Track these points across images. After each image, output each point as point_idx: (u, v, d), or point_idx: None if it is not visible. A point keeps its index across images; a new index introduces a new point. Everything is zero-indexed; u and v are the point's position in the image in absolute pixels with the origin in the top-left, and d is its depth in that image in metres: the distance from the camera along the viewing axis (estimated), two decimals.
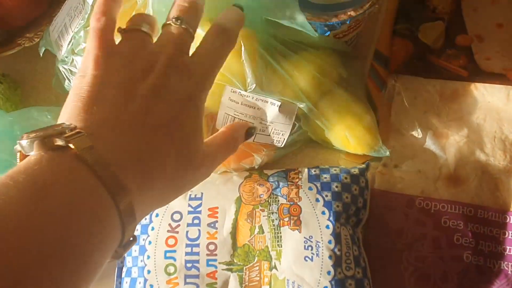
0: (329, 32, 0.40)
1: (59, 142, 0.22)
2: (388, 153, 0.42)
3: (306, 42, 0.41)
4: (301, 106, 0.40)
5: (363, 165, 0.42)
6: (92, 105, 0.25)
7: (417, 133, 0.44)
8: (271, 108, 0.40)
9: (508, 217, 0.41)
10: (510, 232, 0.40)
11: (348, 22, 0.39)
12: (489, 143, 0.43)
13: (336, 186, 0.40)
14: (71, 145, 0.22)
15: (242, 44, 0.37)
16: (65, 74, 0.45)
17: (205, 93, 0.29)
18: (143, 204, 0.25)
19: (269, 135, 0.41)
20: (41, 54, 0.47)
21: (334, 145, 0.44)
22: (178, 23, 0.29)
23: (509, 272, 0.39)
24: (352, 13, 0.37)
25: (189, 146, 0.28)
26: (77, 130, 0.23)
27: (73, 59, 0.43)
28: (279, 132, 0.41)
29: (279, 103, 0.39)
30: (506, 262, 0.40)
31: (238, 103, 0.40)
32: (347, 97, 0.42)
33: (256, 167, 0.43)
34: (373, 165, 0.44)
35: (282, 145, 0.42)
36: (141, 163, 0.25)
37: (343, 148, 0.44)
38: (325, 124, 0.42)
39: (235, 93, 0.39)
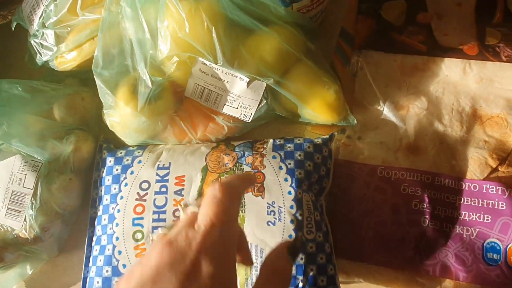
0: (291, 4, 0.40)
1: None
2: (355, 121, 0.43)
3: (272, 16, 0.41)
4: (269, 82, 0.40)
5: (327, 136, 0.43)
6: None
7: (379, 106, 0.45)
8: (240, 83, 0.40)
9: (463, 184, 0.42)
10: (465, 198, 0.41)
11: None
12: (447, 115, 0.44)
13: (299, 155, 0.41)
14: None
15: (206, 18, 0.37)
16: (36, 48, 0.45)
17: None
18: None
19: (237, 108, 0.42)
20: (12, 28, 0.47)
21: (302, 118, 0.45)
22: None
23: (464, 236, 0.41)
24: None
25: None
26: None
27: (43, 33, 0.43)
28: (247, 107, 0.42)
29: (247, 79, 0.40)
30: (461, 227, 0.41)
31: (208, 74, 0.41)
32: (315, 68, 0.43)
33: (221, 137, 0.44)
34: (337, 137, 0.45)
35: (249, 120, 0.42)
36: None
37: (312, 119, 0.44)
38: (294, 93, 0.42)
39: (206, 65, 0.39)
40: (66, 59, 0.42)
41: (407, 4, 0.47)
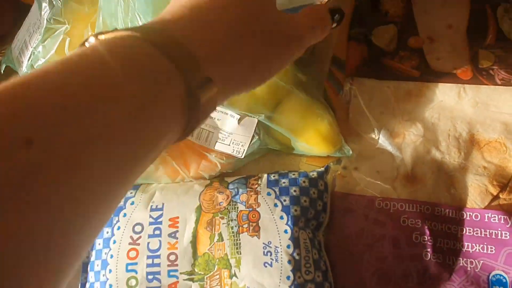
0: None
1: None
2: (351, 152, 0.42)
3: None
4: (260, 118, 0.39)
5: (322, 168, 0.42)
6: None
7: (375, 135, 0.44)
8: (231, 120, 0.40)
9: (464, 213, 0.41)
10: (467, 228, 0.40)
11: None
12: (444, 141, 0.43)
13: (295, 190, 0.40)
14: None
15: None
16: None
17: None
18: (222, 87, 0.21)
19: (229, 145, 0.41)
20: (1, 70, 0.46)
21: (297, 151, 0.44)
22: None
23: (468, 269, 0.39)
24: None
25: (268, 16, 0.24)
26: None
27: None
28: (239, 143, 0.41)
29: (238, 116, 0.39)
30: (465, 259, 0.40)
31: None
32: (307, 99, 0.42)
33: (215, 174, 0.43)
34: (333, 169, 0.44)
35: (242, 156, 0.41)
36: (216, 38, 0.21)
37: (306, 151, 0.44)
38: (287, 127, 0.41)
39: None
40: None
41: (398, 29, 0.46)
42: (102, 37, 0.20)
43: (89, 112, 0.17)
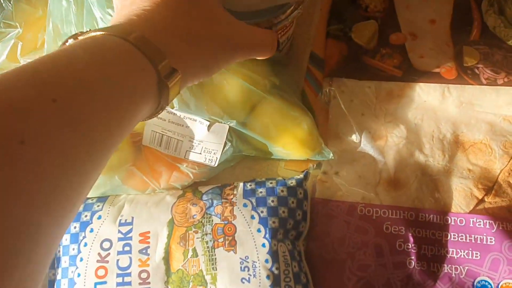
0: None
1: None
2: (331, 155, 0.40)
3: None
4: (231, 124, 0.37)
5: (301, 175, 0.40)
6: None
7: (356, 137, 0.42)
8: (200, 127, 0.37)
9: (449, 218, 0.39)
10: (452, 234, 0.39)
11: (272, 28, 0.36)
12: (428, 143, 0.41)
13: (272, 201, 0.37)
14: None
15: None
16: None
17: None
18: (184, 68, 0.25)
19: (201, 153, 0.38)
20: None
21: (275, 155, 0.41)
22: None
23: (453, 275, 0.38)
24: (274, 20, 0.34)
25: (220, 22, 0.28)
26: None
27: None
28: (211, 151, 0.38)
29: (207, 123, 0.36)
30: (449, 265, 0.38)
31: (165, 120, 0.37)
32: (282, 103, 0.39)
33: (187, 184, 0.40)
34: (313, 174, 0.41)
35: (216, 164, 0.39)
36: (177, 38, 0.26)
37: (284, 156, 0.41)
38: (261, 133, 0.39)
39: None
40: None
41: (378, 25, 0.43)
42: (81, 37, 0.24)
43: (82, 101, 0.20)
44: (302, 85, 0.43)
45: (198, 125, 0.36)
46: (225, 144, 0.37)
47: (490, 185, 0.40)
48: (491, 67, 0.41)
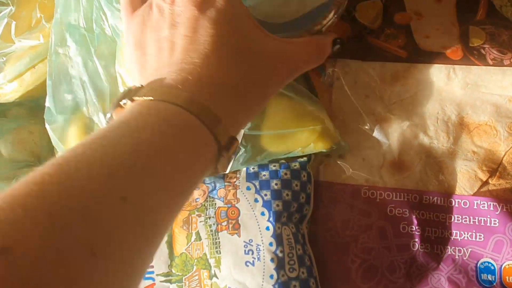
0: None
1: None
2: (349, 146, 0.39)
3: None
4: (245, 130, 0.35)
5: (305, 158, 0.39)
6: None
7: (360, 119, 0.41)
8: None
9: (453, 200, 0.39)
10: (455, 216, 0.39)
11: None
12: (432, 126, 0.40)
13: (276, 184, 0.37)
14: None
15: None
16: None
17: None
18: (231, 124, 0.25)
19: None
20: None
21: (291, 154, 0.39)
22: None
23: (456, 257, 0.38)
24: (314, 28, 0.32)
25: (247, 43, 0.26)
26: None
27: None
28: None
29: None
30: (453, 247, 0.38)
31: None
32: (294, 97, 0.38)
33: None
34: (317, 156, 0.41)
35: (227, 171, 0.38)
36: (227, 98, 0.25)
37: (303, 153, 0.39)
38: (278, 132, 0.37)
39: None
40: (7, 91, 0.37)
41: (383, 4, 0.42)
42: (137, 99, 0.23)
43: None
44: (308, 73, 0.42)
45: None
46: (239, 149, 0.36)
47: (495, 167, 0.39)
48: (498, 48, 0.40)
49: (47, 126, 0.35)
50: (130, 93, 0.23)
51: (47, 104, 0.35)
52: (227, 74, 0.25)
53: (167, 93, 0.22)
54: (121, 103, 0.23)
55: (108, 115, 0.24)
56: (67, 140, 0.34)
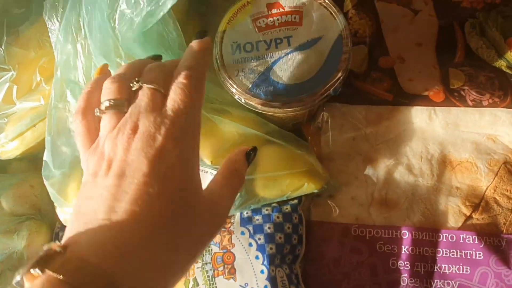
0: None
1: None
2: (338, 186, 0.41)
3: (231, 106, 0.38)
4: None
5: (296, 201, 0.41)
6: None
7: (348, 160, 0.43)
8: (210, 179, 0.37)
9: (440, 235, 0.41)
10: (443, 250, 0.40)
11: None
12: (417, 164, 0.42)
13: (269, 228, 0.39)
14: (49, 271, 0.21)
15: None
16: None
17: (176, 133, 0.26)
18: None
19: None
20: None
21: (283, 197, 0.41)
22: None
23: None
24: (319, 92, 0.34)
25: (183, 205, 0.25)
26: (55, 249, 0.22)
27: None
28: None
29: None
30: (442, 280, 0.40)
31: None
32: (284, 143, 0.39)
33: None
34: (308, 197, 0.42)
35: None
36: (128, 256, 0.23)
37: (294, 194, 0.41)
38: (268, 177, 0.39)
39: None
40: (8, 149, 0.38)
41: (368, 49, 0.44)
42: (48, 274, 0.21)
43: None
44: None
45: (208, 176, 0.37)
46: None
47: (477, 202, 0.41)
48: (476, 89, 0.42)
49: (45, 181, 0.36)
50: (46, 259, 0.22)
51: (45, 158, 0.37)
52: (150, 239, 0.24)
53: (80, 275, 0.21)
54: (32, 271, 0.21)
55: (17, 278, 0.22)
56: (67, 195, 0.36)
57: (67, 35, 0.32)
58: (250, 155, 0.31)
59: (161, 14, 0.30)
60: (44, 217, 0.41)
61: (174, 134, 0.25)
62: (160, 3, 0.29)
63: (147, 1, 0.29)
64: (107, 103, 0.26)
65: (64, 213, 0.37)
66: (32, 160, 0.42)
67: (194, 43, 0.29)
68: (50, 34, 0.34)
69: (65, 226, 0.42)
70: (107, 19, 0.31)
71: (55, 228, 0.42)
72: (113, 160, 0.24)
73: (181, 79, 0.26)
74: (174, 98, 0.26)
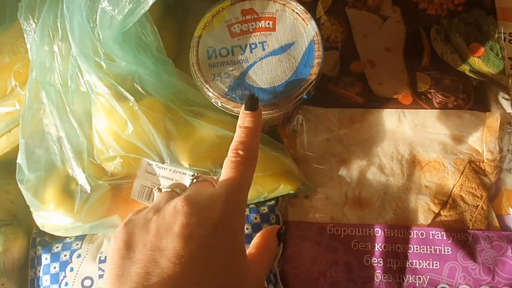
0: None
1: None
2: (314, 187, 0.42)
3: (209, 109, 0.39)
4: (218, 175, 0.37)
5: (273, 202, 0.42)
6: None
7: (322, 162, 0.44)
8: (189, 181, 0.38)
9: (411, 232, 0.43)
10: (414, 246, 0.42)
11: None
12: (388, 164, 0.44)
13: (247, 228, 0.39)
14: None
15: (147, 118, 0.34)
16: None
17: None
18: None
19: None
20: None
21: (262, 198, 0.42)
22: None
23: (417, 285, 0.42)
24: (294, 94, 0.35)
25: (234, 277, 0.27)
26: None
27: None
28: None
29: (195, 174, 0.37)
30: (413, 275, 0.42)
31: (155, 175, 0.38)
32: (262, 145, 0.40)
33: None
34: (284, 198, 0.43)
35: None
36: None
37: (272, 195, 0.42)
38: None
39: (152, 166, 0.37)
40: None
41: (340, 54, 0.46)
42: None
43: None
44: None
45: (187, 178, 0.37)
46: None
47: (445, 199, 0.43)
48: (442, 92, 0.44)
49: (19, 185, 0.36)
50: None
51: (18, 161, 0.36)
52: None
53: None
54: None
55: None
56: (44, 200, 0.36)
57: (44, 36, 0.33)
58: (281, 233, 0.34)
59: (142, 12, 0.31)
60: (21, 223, 0.41)
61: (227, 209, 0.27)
62: (142, 0, 0.30)
63: None
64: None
65: (40, 217, 0.37)
66: (6, 166, 0.41)
67: (248, 117, 0.31)
68: (25, 35, 0.34)
69: (42, 232, 0.41)
70: (86, 19, 0.32)
71: (32, 234, 0.41)
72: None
73: (235, 156, 0.29)
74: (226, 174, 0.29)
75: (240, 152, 0.29)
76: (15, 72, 0.36)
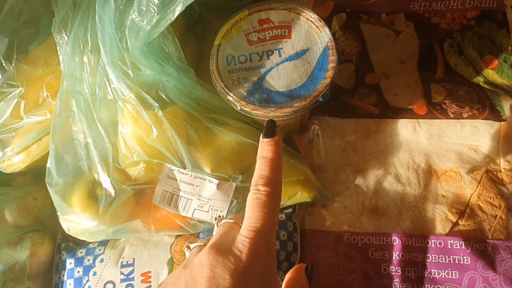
0: None
1: None
2: (331, 195, 0.43)
3: (230, 117, 0.40)
4: (237, 181, 0.38)
5: (290, 210, 0.42)
6: None
7: (339, 171, 0.44)
8: (209, 186, 0.39)
9: (429, 241, 0.42)
10: (432, 255, 0.42)
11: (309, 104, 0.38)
12: (404, 173, 0.44)
13: None
14: None
15: (171, 125, 0.35)
16: None
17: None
18: None
19: (208, 212, 0.40)
20: None
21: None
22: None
23: None
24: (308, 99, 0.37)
25: None
26: None
27: None
28: (217, 209, 0.40)
29: (217, 181, 0.38)
30: (432, 285, 0.41)
31: (176, 180, 0.39)
32: None
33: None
34: (302, 206, 0.44)
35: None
36: None
37: (289, 203, 0.43)
38: None
39: (173, 171, 0.38)
40: (14, 162, 0.40)
41: (355, 67, 0.47)
42: None
43: None
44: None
45: (207, 184, 0.38)
46: (232, 201, 0.39)
47: (463, 209, 0.43)
48: (456, 102, 0.45)
49: (48, 187, 0.38)
50: None
51: (48, 165, 0.38)
52: None
53: None
54: None
55: None
56: (71, 203, 0.37)
57: (75, 48, 0.35)
58: (310, 271, 0.32)
59: (168, 22, 0.33)
60: (47, 229, 0.42)
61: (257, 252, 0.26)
62: (169, 11, 0.32)
63: (158, 9, 0.31)
64: None
65: (67, 221, 0.38)
66: (36, 174, 0.43)
67: (267, 146, 0.30)
68: (58, 48, 0.36)
69: (67, 238, 0.42)
70: (115, 30, 0.34)
71: (57, 240, 0.42)
72: None
73: (256, 193, 0.28)
74: (251, 216, 0.27)
75: (261, 188, 0.28)
76: (47, 84, 0.38)
